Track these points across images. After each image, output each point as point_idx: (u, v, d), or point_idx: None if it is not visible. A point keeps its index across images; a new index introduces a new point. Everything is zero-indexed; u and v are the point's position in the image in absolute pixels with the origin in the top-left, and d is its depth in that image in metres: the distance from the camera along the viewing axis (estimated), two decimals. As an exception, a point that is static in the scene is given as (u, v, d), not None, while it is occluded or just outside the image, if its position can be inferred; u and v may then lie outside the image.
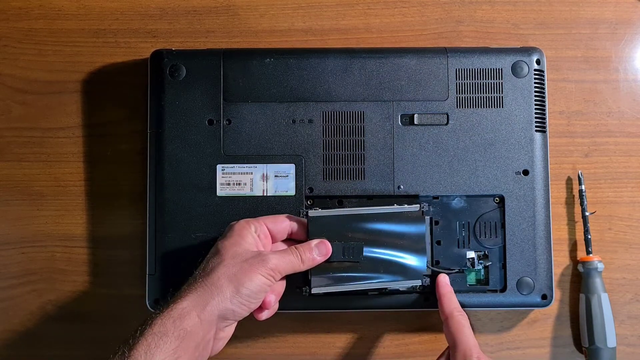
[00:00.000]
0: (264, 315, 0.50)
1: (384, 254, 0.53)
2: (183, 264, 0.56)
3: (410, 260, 0.54)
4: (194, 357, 0.45)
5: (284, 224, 0.52)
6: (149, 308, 0.56)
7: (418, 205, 0.54)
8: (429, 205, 0.55)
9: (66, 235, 0.61)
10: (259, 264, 0.47)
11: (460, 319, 0.52)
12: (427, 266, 0.55)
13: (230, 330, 0.49)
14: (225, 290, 0.46)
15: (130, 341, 0.44)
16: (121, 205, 0.61)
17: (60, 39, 0.62)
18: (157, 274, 0.56)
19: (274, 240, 0.52)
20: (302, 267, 0.51)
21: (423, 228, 0.54)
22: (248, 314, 0.48)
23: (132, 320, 0.59)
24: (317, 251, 0.51)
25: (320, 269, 0.52)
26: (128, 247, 0.60)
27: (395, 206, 0.54)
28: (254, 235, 0.50)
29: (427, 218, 0.56)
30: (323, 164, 0.57)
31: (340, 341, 0.61)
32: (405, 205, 0.54)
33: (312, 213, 0.53)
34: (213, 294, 0.46)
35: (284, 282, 0.52)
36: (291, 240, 0.53)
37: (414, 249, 0.54)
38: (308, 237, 0.52)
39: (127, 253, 0.60)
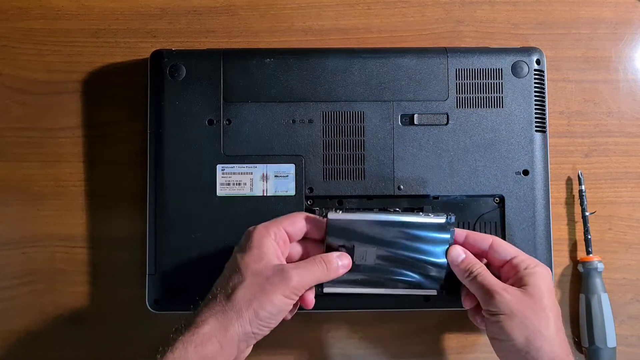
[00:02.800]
0: (290, 315, 0.50)
1: (402, 262, 0.52)
2: (183, 264, 0.56)
3: (428, 269, 0.52)
4: None
5: (300, 225, 0.51)
6: (149, 308, 0.56)
7: (445, 216, 0.52)
8: (454, 216, 0.52)
9: (66, 235, 0.61)
10: (280, 283, 0.46)
11: (501, 241, 0.52)
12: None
13: (249, 349, 0.49)
14: (246, 315, 0.45)
15: None
16: (121, 206, 0.61)
17: (60, 39, 0.62)
18: (157, 274, 0.56)
19: (290, 241, 0.51)
20: (327, 278, 0.50)
21: (447, 240, 0.52)
22: (268, 333, 0.48)
23: (132, 320, 0.59)
24: (340, 262, 0.50)
25: None
26: (128, 247, 0.60)
27: (421, 214, 0.53)
28: (274, 245, 0.49)
29: (452, 230, 0.52)
30: (323, 164, 0.57)
31: (340, 341, 0.61)
32: (430, 214, 0.52)
33: (331, 215, 0.51)
34: (233, 320, 0.45)
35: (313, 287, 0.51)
36: (306, 239, 0.52)
37: (434, 261, 0.52)
38: (325, 239, 0.51)
39: (127, 253, 0.60)
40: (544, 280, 0.49)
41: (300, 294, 0.48)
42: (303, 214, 0.52)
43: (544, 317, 0.47)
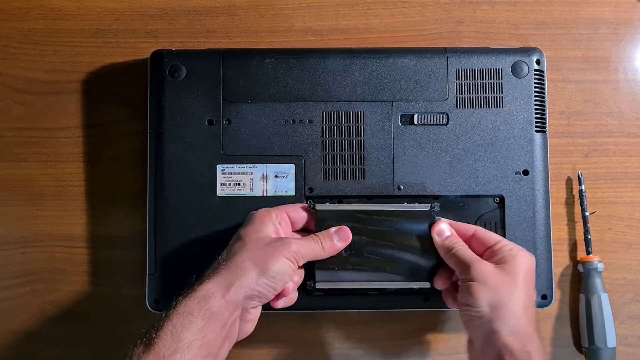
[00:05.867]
0: (280, 303, 0.51)
1: (391, 252, 0.53)
2: (183, 264, 0.56)
3: (419, 260, 0.53)
4: (221, 337, 0.46)
5: (302, 214, 0.53)
6: (149, 308, 0.56)
7: (429, 205, 0.53)
8: (439, 205, 0.53)
9: (66, 235, 0.61)
10: (282, 246, 0.48)
11: (484, 230, 0.53)
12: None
13: (256, 312, 0.49)
14: (251, 272, 0.47)
15: (156, 323, 0.44)
16: (121, 205, 0.61)
17: (60, 39, 0.62)
18: (157, 274, 0.56)
19: (293, 227, 0.53)
20: (324, 254, 0.51)
21: None
22: (273, 297, 0.48)
23: (132, 320, 0.59)
24: (337, 237, 0.51)
25: (326, 264, 0.52)
26: (128, 247, 0.60)
27: (405, 204, 0.54)
28: (275, 223, 0.51)
29: (438, 219, 0.54)
30: (323, 164, 0.57)
31: (340, 341, 0.61)
32: (416, 204, 0.54)
33: (319, 207, 0.53)
34: (238, 276, 0.46)
35: (302, 272, 0.52)
36: (306, 231, 0.53)
37: (422, 249, 0.53)
38: (315, 230, 0.52)
39: (127, 253, 0.60)
40: (524, 263, 0.50)
41: (300, 263, 0.49)
42: (301, 205, 0.53)
43: (516, 293, 0.48)
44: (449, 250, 0.51)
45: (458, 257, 0.50)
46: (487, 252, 0.51)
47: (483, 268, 0.49)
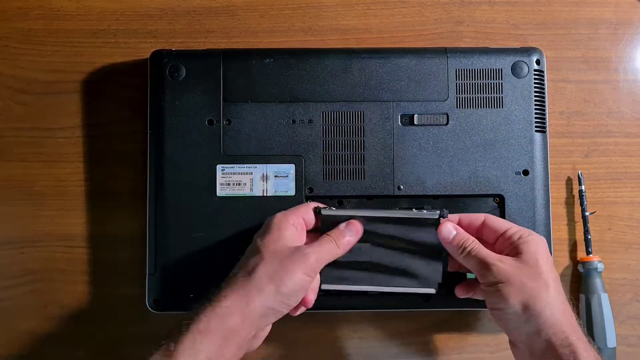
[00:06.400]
0: (299, 311, 0.51)
1: (398, 258, 0.52)
2: (183, 264, 0.56)
3: (425, 267, 0.52)
4: (235, 355, 0.46)
5: (313, 215, 0.52)
6: (149, 308, 0.56)
7: (438, 212, 0.52)
8: (447, 211, 0.52)
9: (66, 235, 0.61)
10: (299, 260, 0.48)
11: (494, 217, 0.52)
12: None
13: (268, 328, 0.50)
14: (267, 290, 0.46)
15: (175, 333, 0.45)
16: (121, 205, 0.61)
17: (60, 39, 0.62)
18: (157, 274, 0.56)
19: (306, 228, 0.52)
20: (340, 252, 0.51)
21: None
22: (287, 312, 0.49)
23: (132, 320, 0.59)
24: (349, 232, 0.51)
25: (331, 267, 0.52)
26: (128, 247, 0.60)
27: (414, 211, 0.53)
28: (293, 230, 0.50)
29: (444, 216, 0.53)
30: (323, 164, 0.57)
31: (340, 341, 0.61)
32: (424, 211, 0.53)
33: (324, 212, 0.52)
34: (253, 294, 0.46)
35: (319, 278, 0.52)
36: (317, 230, 0.53)
37: (429, 256, 0.52)
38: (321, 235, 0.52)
39: (127, 253, 0.60)
40: (539, 247, 0.49)
41: (317, 272, 0.49)
42: (314, 204, 0.53)
43: (542, 283, 0.47)
44: (462, 250, 0.50)
45: (473, 258, 0.49)
46: (500, 240, 0.51)
47: (503, 267, 0.48)
